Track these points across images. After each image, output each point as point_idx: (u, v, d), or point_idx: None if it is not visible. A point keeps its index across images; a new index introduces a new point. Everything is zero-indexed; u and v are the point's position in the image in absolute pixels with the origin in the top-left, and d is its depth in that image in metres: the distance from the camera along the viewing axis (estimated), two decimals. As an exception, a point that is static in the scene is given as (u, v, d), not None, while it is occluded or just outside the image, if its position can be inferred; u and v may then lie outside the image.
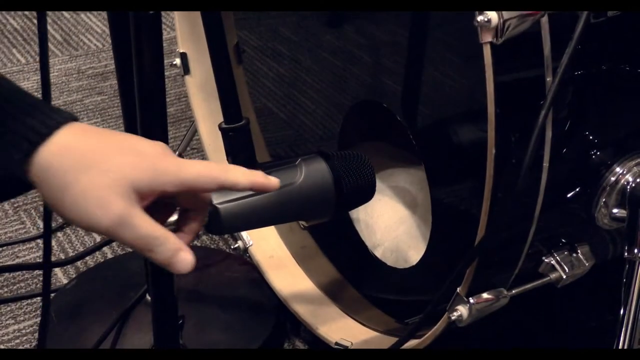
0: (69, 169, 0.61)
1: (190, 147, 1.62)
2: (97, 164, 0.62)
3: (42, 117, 0.62)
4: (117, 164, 0.62)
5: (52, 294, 1.31)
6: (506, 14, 0.75)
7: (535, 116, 0.79)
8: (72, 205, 0.61)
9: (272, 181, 0.71)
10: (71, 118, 0.63)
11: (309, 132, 1.23)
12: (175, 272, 0.64)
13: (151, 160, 0.63)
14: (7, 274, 1.36)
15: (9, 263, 1.40)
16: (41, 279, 1.34)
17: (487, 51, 0.77)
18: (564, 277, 0.93)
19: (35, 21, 2.18)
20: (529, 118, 0.80)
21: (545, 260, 0.93)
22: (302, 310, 1.20)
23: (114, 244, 1.41)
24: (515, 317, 1.02)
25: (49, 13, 2.21)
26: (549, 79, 0.80)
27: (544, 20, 0.78)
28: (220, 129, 0.87)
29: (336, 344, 1.13)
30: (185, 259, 0.64)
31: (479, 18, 0.75)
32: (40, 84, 0.72)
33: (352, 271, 1.21)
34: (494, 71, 0.77)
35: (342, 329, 1.16)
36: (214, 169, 0.66)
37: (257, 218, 0.86)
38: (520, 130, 0.81)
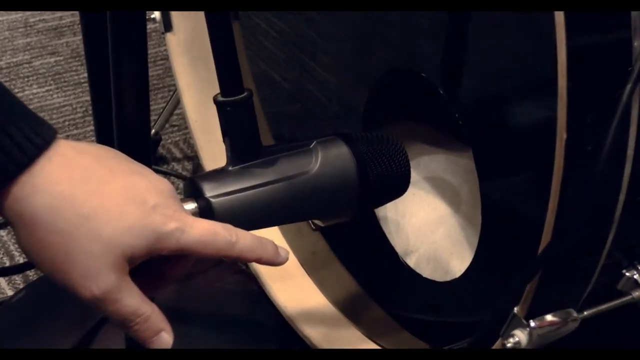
0: (52, 218, 0.64)
1: (169, 124, 1.63)
2: (90, 222, 0.65)
3: (20, 135, 0.63)
4: (114, 227, 0.65)
5: (-5, 309, 1.32)
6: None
7: (618, 91, 0.79)
8: (51, 264, 0.65)
9: (282, 255, 0.77)
10: (54, 133, 0.64)
11: (321, 107, 1.23)
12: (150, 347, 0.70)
13: (153, 221, 0.67)
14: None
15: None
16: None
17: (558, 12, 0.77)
18: (650, 295, 0.94)
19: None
20: (611, 93, 0.80)
21: (627, 274, 0.93)
22: (312, 334, 1.21)
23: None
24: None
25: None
26: (636, 43, 0.80)
27: (631, -32, 0.78)
28: (216, 102, 0.87)
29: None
30: (164, 341, 0.71)
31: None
32: None
33: (377, 285, 1.21)
34: (568, 33, 0.77)
35: (363, 357, 1.17)
36: (220, 239, 0.71)
37: (259, 216, 0.87)
38: (599, 108, 0.81)
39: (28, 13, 2.01)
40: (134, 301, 0.67)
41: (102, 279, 0.65)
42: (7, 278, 1.40)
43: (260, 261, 0.75)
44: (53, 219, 0.63)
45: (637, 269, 0.93)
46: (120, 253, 0.65)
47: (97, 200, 0.65)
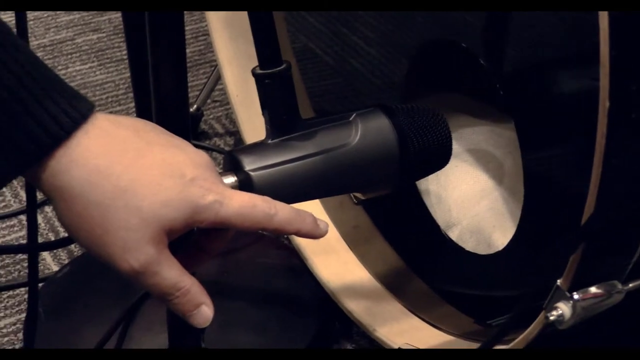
0: (90, 192, 0.64)
1: (211, 100, 1.63)
2: (127, 195, 0.65)
3: (57, 108, 0.63)
4: (152, 200, 0.65)
5: (40, 284, 1.32)
6: None
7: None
8: (90, 238, 0.65)
9: (322, 228, 0.76)
10: (92, 107, 0.65)
11: (363, 80, 1.23)
12: (191, 324, 0.70)
13: (191, 193, 0.67)
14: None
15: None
16: (26, 264, 1.37)
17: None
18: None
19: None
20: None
21: (673, 245, 0.92)
22: (355, 307, 1.21)
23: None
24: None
25: None
26: (681, 9, 0.78)
27: None
28: (254, 74, 0.87)
29: (399, 348, 1.14)
30: (205, 315, 0.70)
31: None
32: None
33: (420, 258, 1.21)
34: (610, -1, 0.76)
35: (406, 331, 1.17)
36: (259, 211, 0.70)
37: (299, 189, 0.87)
38: (643, 76, 0.80)
39: (71, -10, 2.02)
40: (173, 274, 0.67)
41: (140, 251, 0.65)
42: (52, 253, 1.40)
43: (299, 233, 0.74)
44: (90, 193, 0.63)
45: (683, 239, 0.92)
46: (158, 226, 0.65)
47: (135, 173, 0.65)
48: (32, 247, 0.80)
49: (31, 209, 0.75)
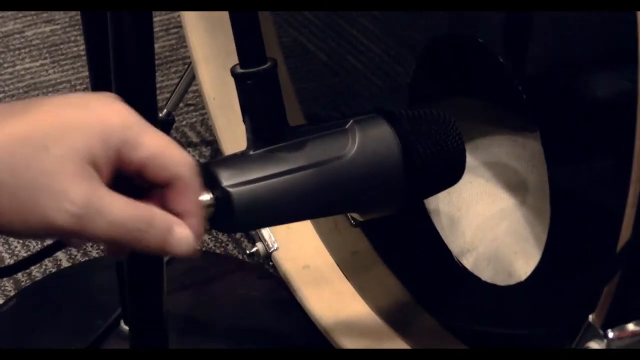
0: None
1: (184, 103, 1.64)
2: (32, 142, 0.63)
3: None
4: (59, 135, 0.63)
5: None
6: None
7: None
8: (15, 210, 0.63)
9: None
10: None
11: (362, 81, 1.23)
12: (175, 255, 0.67)
13: (94, 116, 0.65)
14: None
15: None
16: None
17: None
18: None
19: None
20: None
21: None
22: (352, 347, 1.21)
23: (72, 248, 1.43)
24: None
25: None
26: None
27: None
28: (234, 74, 0.88)
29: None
30: (183, 235, 0.67)
31: None
32: None
33: (428, 290, 1.22)
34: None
35: (411, 374, 1.17)
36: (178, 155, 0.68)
37: (286, 208, 0.87)
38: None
39: (20, -25, 2.03)
40: (124, 205, 0.65)
41: (72, 190, 0.62)
42: (-5, 284, 1.41)
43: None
44: None
45: None
46: (77, 159, 0.63)
47: (37, 119, 0.64)
48: None
49: None
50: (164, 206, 0.68)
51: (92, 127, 0.65)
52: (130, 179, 0.67)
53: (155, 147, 0.67)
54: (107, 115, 0.66)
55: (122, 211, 0.64)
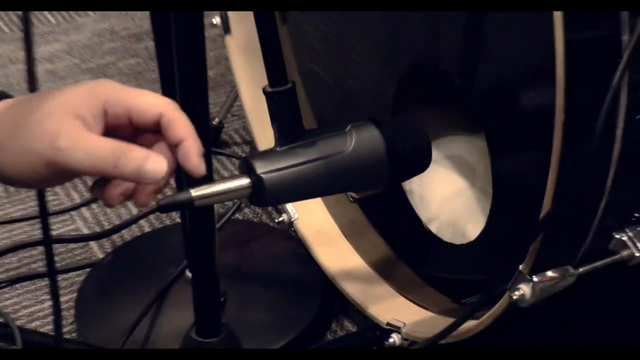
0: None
1: (231, 114, 1.63)
2: (32, 102, 0.61)
3: None
4: (52, 98, 0.61)
5: (88, 269, 1.33)
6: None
7: (609, 79, 0.78)
8: (12, 149, 0.61)
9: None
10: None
11: (358, 97, 1.22)
12: (147, 181, 0.61)
13: (86, 85, 0.63)
14: (43, 248, 1.38)
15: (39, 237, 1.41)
16: (78, 252, 1.37)
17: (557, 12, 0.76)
18: (637, 254, 0.92)
19: (66, -20, 2.20)
20: (602, 81, 0.78)
21: (617, 236, 0.92)
22: (351, 289, 1.20)
23: (151, 216, 1.43)
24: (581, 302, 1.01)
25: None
26: (625, 37, 0.78)
27: (620, -28, 0.76)
28: (265, 92, 0.87)
29: (388, 324, 1.14)
30: (156, 162, 0.61)
31: (548, -29, 0.74)
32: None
33: (405, 247, 1.21)
34: (564, 28, 0.76)
35: (394, 309, 1.16)
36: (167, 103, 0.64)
37: (303, 189, 0.86)
38: (592, 94, 0.80)
39: (114, 22, 2.02)
40: (100, 140, 0.60)
41: (59, 132, 0.59)
42: (98, 243, 1.40)
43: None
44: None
45: (626, 232, 0.92)
46: (63, 112, 0.60)
47: (36, 96, 0.62)
48: (47, 241, 0.79)
49: (43, 211, 0.74)
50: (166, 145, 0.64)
51: (78, 93, 0.62)
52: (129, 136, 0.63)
53: (133, 98, 0.63)
54: (93, 85, 0.63)
55: (98, 144, 0.60)
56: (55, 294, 0.82)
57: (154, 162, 0.61)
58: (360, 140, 0.87)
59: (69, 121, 0.60)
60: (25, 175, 0.61)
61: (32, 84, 0.67)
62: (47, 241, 0.78)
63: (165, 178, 0.62)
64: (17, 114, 0.62)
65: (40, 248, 1.38)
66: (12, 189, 1.50)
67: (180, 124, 0.64)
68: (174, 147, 0.64)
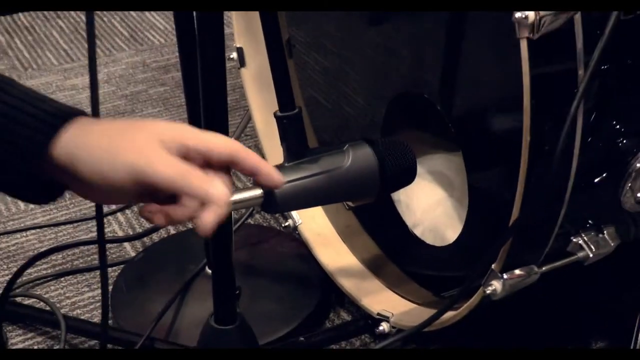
0: (99, 137, 0.61)
1: (244, 134, 1.62)
2: (129, 127, 0.62)
3: (58, 105, 0.63)
4: (144, 128, 0.62)
5: (122, 265, 1.32)
6: (542, 12, 0.74)
7: (567, 106, 0.78)
8: (101, 159, 0.61)
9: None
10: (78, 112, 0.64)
11: (352, 120, 1.22)
12: (213, 199, 0.61)
13: (170, 122, 0.64)
14: (83, 247, 1.38)
15: (84, 238, 1.41)
16: (114, 251, 1.36)
17: (524, 46, 0.75)
18: (591, 255, 0.92)
19: (105, 18, 2.20)
20: (562, 108, 0.78)
21: (574, 240, 0.92)
22: (346, 284, 1.20)
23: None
24: (543, 294, 1.01)
25: (118, 12, 2.23)
26: (580, 72, 0.78)
27: (577, 17, 0.76)
28: (276, 116, 0.87)
29: (378, 314, 1.13)
30: (219, 185, 0.62)
31: (517, 15, 0.74)
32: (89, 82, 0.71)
33: (393, 248, 1.20)
34: (530, 64, 0.76)
35: (383, 301, 1.16)
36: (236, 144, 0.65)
37: (307, 199, 0.86)
38: (553, 119, 0.80)
39: (145, 56, 2.02)
40: (173, 160, 0.61)
41: (145, 148, 0.60)
42: (131, 244, 1.40)
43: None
44: (99, 139, 0.62)
45: (582, 236, 0.92)
46: (150, 138, 0.61)
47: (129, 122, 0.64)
48: (102, 241, 0.79)
49: (99, 215, 0.75)
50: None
51: (164, 126, 0.63)
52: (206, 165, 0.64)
53: (210, 139, 0.64)
54: (175, 124, 0.64)
55: (177, 162, 0.61)
56: (104, 286, 0.83)
57: (219, 184, 0.62)
58: (355, 158, 0.87)
59: (155, 143, 0.62)
60: (111, 186, 0.61)
61: (96, 109, 0.70)
62: (102, 241, 0.78)
63: (227, 204, 0.62)
64: (109, 133, 0.62)
65: (81, 247, 1.37)
66: (58, 197, 1.50)
67: (252, 157, 0.66)
68: (249, 175, 0.67)
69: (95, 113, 0.70)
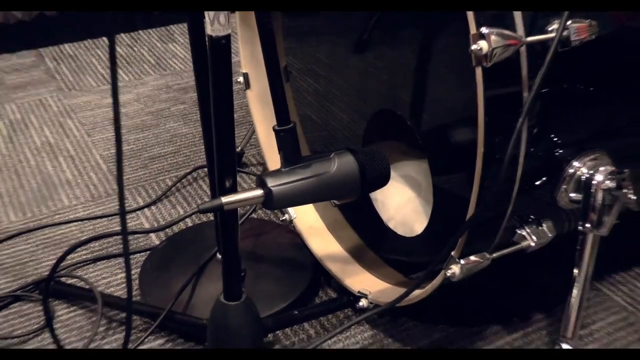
0: None
1: (249, 144, 1.62)
2: None
3: None
4: None
5: (148, 252, 1.31)
6: (494, 44, 0.74)
7: (514, 123, 0.78)
8: None
9: None
10: None
11: (338, 133, 1.22)
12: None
13: None
14: (116, 237, 1.37)
15: (117, 229, 1.39)
16: (141, 240, 1.35)
17: (478, 73, 0.75)
18: (532, 245, 0.92)
19: (135, 48, 2.18)
20: (510, 124, 0.78)
21: (519, 232, 0.92)
22: (332, 267, 1.20)
23: (193, 216, 1.41)
24: (495, 277, 1.01)
25: (145, 43, 2.22)
26: (525, 94, 0.78)
27: (523, 49, 0.77)
28: (274, 130, 0.87)
29: (358, 292, 1.13)
30: None
31: (473, 47, 0.74)
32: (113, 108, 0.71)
33: (371, 238, 1.20)
34: (484, 88, 0.76)
35: (363, 281, 1.15)
36: None
37: (300, 198, 0.86)
38: (503, 133, 0.80)
39: (168, 79, 2.01)
40: None
41: None
42: (156, 234, 1.39)
43: None
44: None
45: (525, 229, 0.92)
46: None
47: None
48: (125, 233, 0.78)
49: (122, 211, 0.74)
50: None
51: None
52: None
53: None
54: None
55: None
56: (128, 269, 0.82)
57: None
58: (340, 164, 0.87)
59: None
60: None
61: (117, 123, 0.69)
62: (125, 232, 0.77)
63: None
64: None
65: (115, 237, 1.37)
66: (97, 194, 1.49)
67: None
68: None
69: (117, 125, 0.68)
